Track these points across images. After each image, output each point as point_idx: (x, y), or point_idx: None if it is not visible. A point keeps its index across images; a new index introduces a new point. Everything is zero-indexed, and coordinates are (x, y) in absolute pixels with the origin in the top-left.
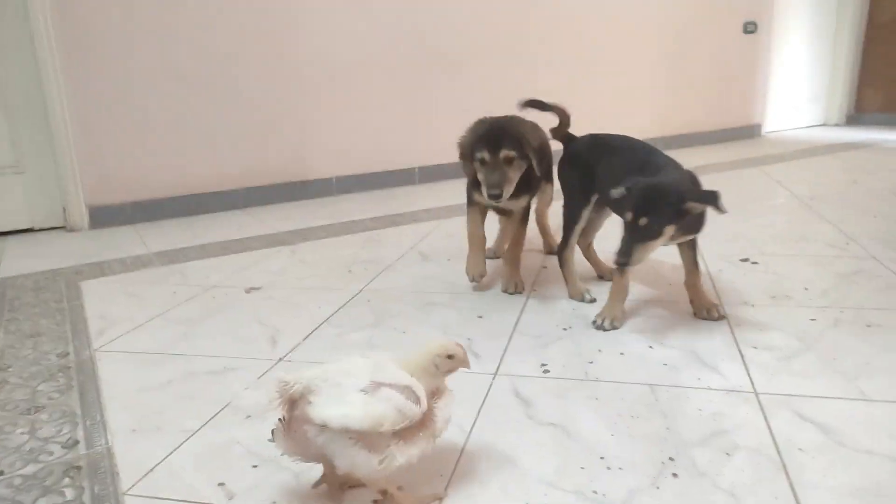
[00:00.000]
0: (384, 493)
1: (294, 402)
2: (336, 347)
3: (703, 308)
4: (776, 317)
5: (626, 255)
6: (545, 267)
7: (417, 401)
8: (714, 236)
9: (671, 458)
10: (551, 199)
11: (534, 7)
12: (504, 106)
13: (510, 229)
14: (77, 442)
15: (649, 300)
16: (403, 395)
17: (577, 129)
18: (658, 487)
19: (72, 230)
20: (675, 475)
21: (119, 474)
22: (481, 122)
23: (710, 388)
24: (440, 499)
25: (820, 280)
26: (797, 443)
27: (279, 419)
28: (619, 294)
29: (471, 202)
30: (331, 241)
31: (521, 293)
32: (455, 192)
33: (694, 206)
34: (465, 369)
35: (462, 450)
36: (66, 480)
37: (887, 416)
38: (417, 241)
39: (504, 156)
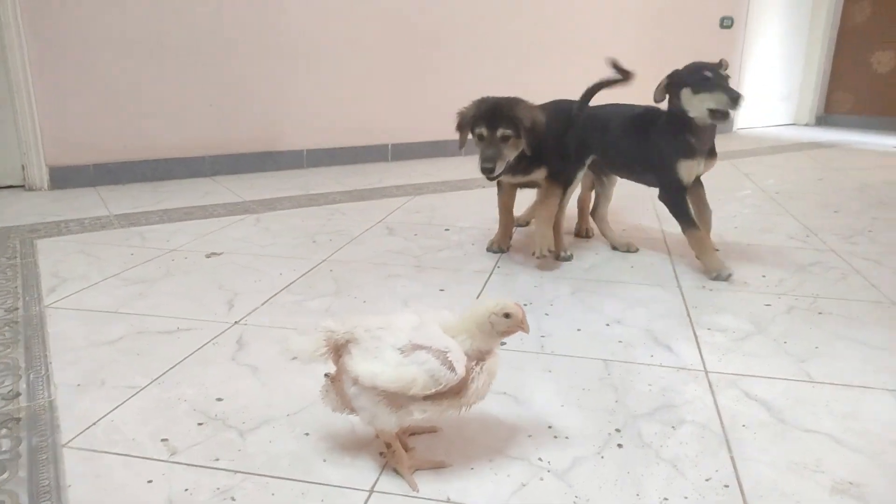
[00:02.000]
0: (389, 446)
1: (339, 350)
2: (294, 314)
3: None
4: (732, 301)
5: None
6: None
7: (452, 368)
8: None
9: (618, 430)
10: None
11: None
12: (479, 88)
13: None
14: (18, 394)
15: (610, 281)
16: (439, 361)
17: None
18: (602, 457)
19: (31, 189)
20: (619, 445)
21: (60, 427)
22: (484, 100)
23: (662, 366)
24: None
25: (778, 269)
26: (741, 419)
27: (325, 375)
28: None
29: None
30: (297, 212)
31: (555, 257)
32: (426, 170)
33: None
34: (523, 332)
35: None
36: (4, 431)
37: (830, 397)
38: (385, 215)
39: (501, 134)
